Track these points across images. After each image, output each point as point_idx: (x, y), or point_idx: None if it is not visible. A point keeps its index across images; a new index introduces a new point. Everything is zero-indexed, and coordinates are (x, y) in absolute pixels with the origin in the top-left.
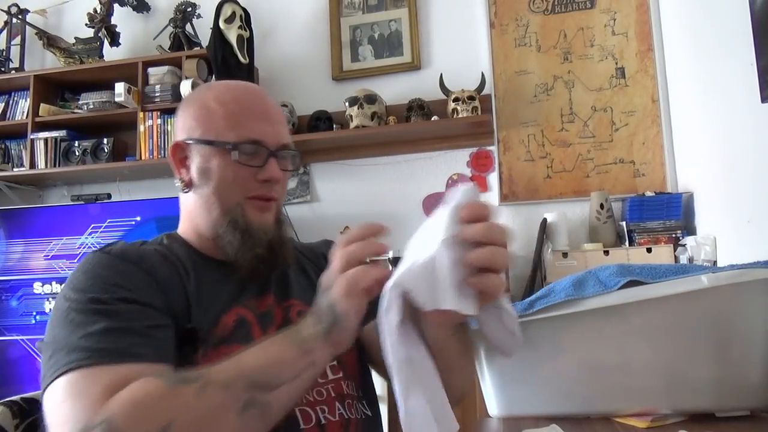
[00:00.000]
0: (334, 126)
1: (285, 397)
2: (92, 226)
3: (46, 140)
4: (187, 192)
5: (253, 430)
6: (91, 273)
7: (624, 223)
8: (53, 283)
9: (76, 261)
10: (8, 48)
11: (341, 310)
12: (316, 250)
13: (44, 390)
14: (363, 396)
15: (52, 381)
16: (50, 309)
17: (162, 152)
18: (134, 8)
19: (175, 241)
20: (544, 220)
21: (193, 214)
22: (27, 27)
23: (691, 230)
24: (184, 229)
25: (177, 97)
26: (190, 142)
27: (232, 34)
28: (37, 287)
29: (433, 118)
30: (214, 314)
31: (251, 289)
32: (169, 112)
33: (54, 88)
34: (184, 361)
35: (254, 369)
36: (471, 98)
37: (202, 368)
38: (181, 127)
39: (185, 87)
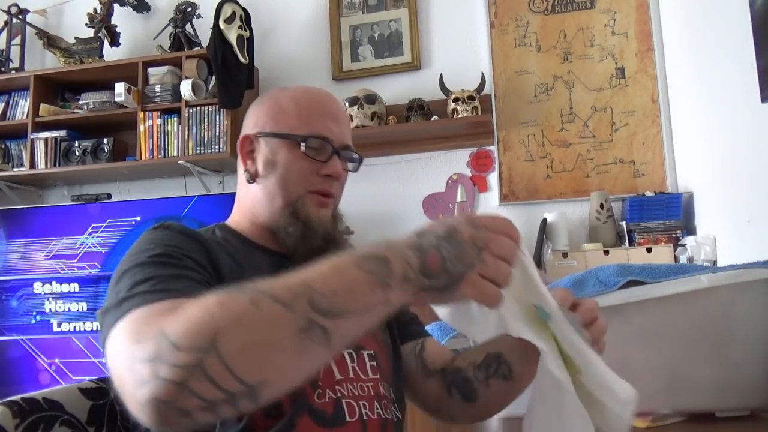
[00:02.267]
0: None
1: (348, 329)
2: (92, 226)
3: (46, 140)
4: (251, 183)
5: (310, 356)
6: (154, 241)
7: (624, 223)
8: (53, 283)
9: (76, 261)
10: (8, 48)
11: (466, 261)
12: None
13: (105, 347)
14: (396, 399)
15: (113, 330)
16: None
17: (162, 152)
18: (134, 8)
19: (228, 233)
20: (544, 220)
21: (255, 204)
22: (27, 27)
23: (691, 230)
24: (237, 219)
25: (177, 97)
26: (260, 135)
27: (232, 34)
28: (37, 287)
29: (433, 118)
30: None
31: None
32: (169, 112)
33: (54, 88)
34: None
35: (321, 292)
36: (471, 98)
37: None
38: (252, 122)
39: (185, 87)
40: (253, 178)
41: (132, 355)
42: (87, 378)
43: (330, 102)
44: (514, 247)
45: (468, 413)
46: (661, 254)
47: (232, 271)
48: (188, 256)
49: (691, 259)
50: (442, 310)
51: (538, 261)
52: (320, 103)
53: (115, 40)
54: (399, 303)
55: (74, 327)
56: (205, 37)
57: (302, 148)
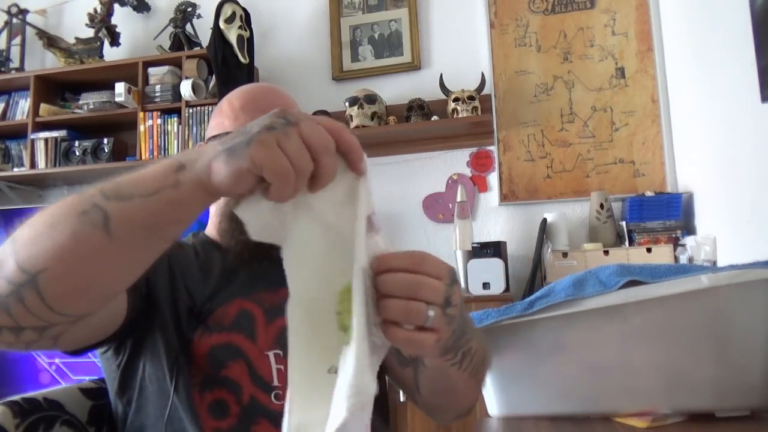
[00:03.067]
0: None
1: (131, 213)
2: None
3: (46, 140)
4: None
5: (86, 240)
6: None
7: (624, 223)
8: None
9: None
10: (8, 48)
11: (264, 124)
12: None
13: None
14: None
15: None
16: None
17: (162, 152)
18: (134, 8)
19: (198, 238)
20: (544, 220)
21: (211, 209)
22: (27, 27)
23: (691, 230)
24: (208, 227)
25: (177, 97)
26: (207, 142)
27: (232, 34)
28: None
29: (433, 118)
30: (217, 303)
31: (264, 282)
32: (169, 112)
33: (54, 88)
34: (182, 337)
35: (118, 180)
36: (471, 98)
37: None
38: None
39: (185, 87)
40: None
41: None
42: (87, 378)
43: (261, 94)
44: (328, 141)
45: (425, 407)
46: (661, 254)
47: (185, 269)
48: None
49: (691, 259)
50: (241, 208)
51: (538, 261)
52: (251, 97)
53: (115, 40)
54: (191, 183)
55: None
56: (205, 37)
57: None
